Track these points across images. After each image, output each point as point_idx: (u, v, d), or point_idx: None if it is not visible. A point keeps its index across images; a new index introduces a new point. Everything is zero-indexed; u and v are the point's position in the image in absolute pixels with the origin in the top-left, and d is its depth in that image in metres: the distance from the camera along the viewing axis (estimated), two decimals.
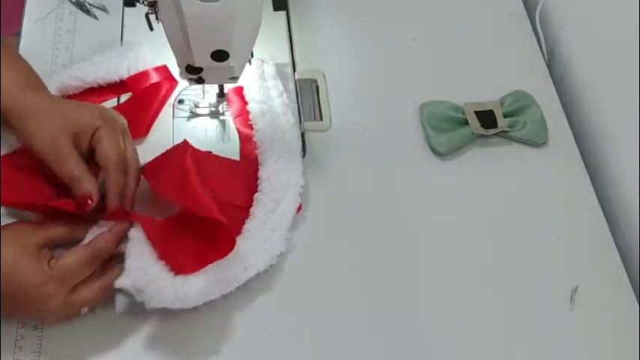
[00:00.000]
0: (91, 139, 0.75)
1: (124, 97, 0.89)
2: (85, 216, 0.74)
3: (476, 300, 0.78)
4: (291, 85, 0.92)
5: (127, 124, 0.79)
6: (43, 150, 0.74)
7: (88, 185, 0.73)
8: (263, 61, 0.91)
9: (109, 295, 0.72)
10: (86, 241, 0.72)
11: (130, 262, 0.70)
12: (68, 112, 0.75)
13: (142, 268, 0.70)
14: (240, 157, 0.85)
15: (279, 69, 0.92)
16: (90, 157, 0.76)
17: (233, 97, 0.89)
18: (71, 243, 0.72)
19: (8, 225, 0.71)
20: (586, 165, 0.89)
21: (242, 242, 0.76)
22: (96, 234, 0.73)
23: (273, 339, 0.74)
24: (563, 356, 0.76)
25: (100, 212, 0.75)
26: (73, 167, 0.74)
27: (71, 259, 0.69)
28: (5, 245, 0.67)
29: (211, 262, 0.71)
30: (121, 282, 0.70)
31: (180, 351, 0.73)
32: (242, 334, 0.74)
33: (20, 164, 0.77)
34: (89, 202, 0.73)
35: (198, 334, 0.74)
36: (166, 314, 0.74)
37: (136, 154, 0.80)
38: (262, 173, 0.82)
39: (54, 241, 0.71)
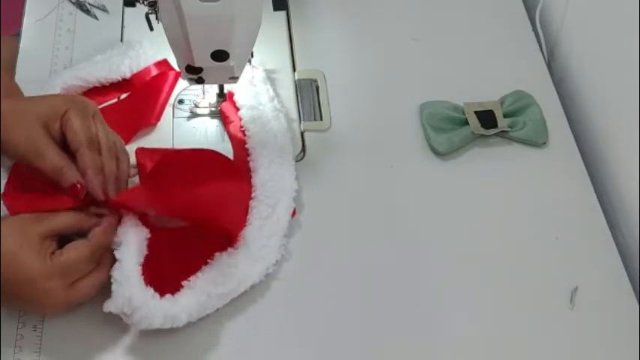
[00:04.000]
0: (61, 124, 0.73)
1: (124, 97, 0.89)
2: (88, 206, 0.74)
3: (476, 300, 0.78)
4: (287, 88, 0.92)
5: (98, 109, 0.77)
6: (20, 148, 0.73)
7: (72, 173, 0.73)
8: (252, 67, 0.90)
9: (105, 287, 0.72)
10: None
11: (115, 288, 0.69)
12: (34, 105, 0.74)
13: (128, 294, 0.69)
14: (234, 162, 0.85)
15: (275, 72, 0.92)
16: (65, 146, 0.74)
17: (224, 104, 0.89)
18: (77, 234, 0.72)
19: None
20: (586, 165, 0.89)
21: (237, 253, 0.76)
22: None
23: (273, 344, 0.74)
24: (563, 356, 0.76)
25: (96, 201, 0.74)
26: (52, 158, 0.73)
27: (74, 254, 0.69)
28: (7, 235, 0.66)
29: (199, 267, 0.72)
30: (107, 307, 0.69)
31: (180, 351, 0.73)
32: (240, 339, 0.74)
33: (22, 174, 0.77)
34: (79, 187, 0.72)
35: (198, 335, 0.74)
36: None
37: (118, 138, 0.78)
38: (256, 180, 0.82)
39: (58, 232, 0.70)
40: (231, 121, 0.87)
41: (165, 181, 0.76)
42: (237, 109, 0.88)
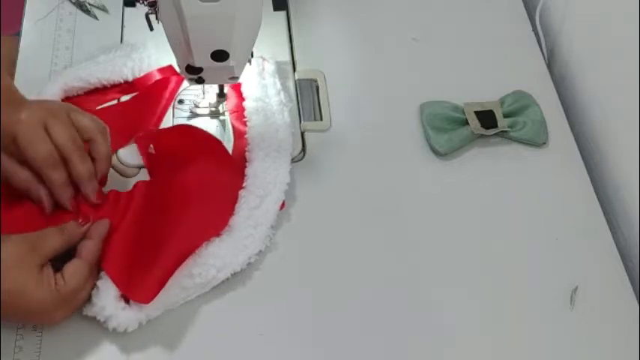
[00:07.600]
0: (16, 149, 0.72)
1: (126, 99, 0.89)
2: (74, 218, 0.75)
3: (476, 300, 0.78)
4: (292, 85, 0.92)
5: (56, 109, 0.74)
6: None
7: (35, 189, 0.74)
8: (263, 59, 0.91)
9: None
10: None
11: (93, 295, 0.71)
12: None
13: (102, 304, 0.70)
14: (232, 153, 0.85)
15: (280, 67, 0.92)
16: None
17: (230, 93, 0.89)
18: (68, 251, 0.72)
19: (5, 242, 0.67)
20: (586, 165, 0.90)
21: (220, 242, 0.76)
22: None
23: (261, 339, 0.74)
24: (563, 356, 0.76)
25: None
26: (15, 177, 0.73)
27: (76, 280, 0.69)
28: (9, 270, 0.65)
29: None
30: (86, 311, 0.71)
31: (176, 351, 0.73)
32: (229, 332, 0.74)
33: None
34: (44, 200, 0.74)
35: (196, 334, 0.74)
36: (162, 317, 0.74)
37: (92, 127, 0.75)
38: (249, 171, 0.82)
39: (51, 258, 0.70)
40: (235, 111, 0.88)
41: (163, 158, 0.79)
42: (243, 100, 0.88)
